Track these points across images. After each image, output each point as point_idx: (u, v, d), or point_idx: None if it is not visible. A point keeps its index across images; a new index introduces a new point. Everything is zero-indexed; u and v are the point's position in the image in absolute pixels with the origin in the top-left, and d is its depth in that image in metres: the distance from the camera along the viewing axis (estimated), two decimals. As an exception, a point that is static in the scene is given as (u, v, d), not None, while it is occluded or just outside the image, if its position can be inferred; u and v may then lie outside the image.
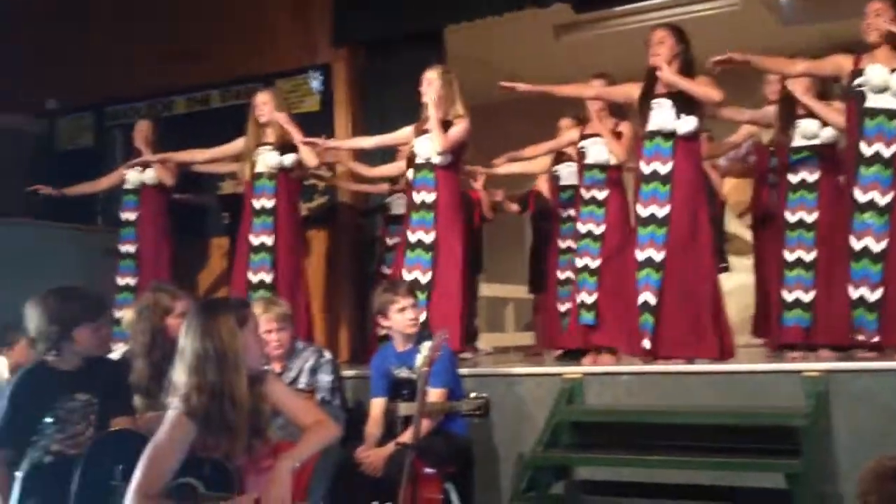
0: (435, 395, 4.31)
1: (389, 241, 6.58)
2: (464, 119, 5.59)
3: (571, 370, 5.08)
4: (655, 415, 4.75)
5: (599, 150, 5.72)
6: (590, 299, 5.56)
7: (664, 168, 5.04)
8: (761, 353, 5.99)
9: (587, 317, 5.57)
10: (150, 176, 6.83)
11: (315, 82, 7.49)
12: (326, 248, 7.26)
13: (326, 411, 3.81)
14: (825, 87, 5.31)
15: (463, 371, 4.98)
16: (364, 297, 6.73)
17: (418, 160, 5.67)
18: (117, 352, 4.54)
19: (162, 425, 3.11)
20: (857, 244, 4.77)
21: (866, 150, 4.81)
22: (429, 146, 5.59)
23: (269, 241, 6.09)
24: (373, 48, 7.46)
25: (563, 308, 5.93)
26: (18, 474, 3.23)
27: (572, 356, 5.87)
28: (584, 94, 5.70)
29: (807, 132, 5.28)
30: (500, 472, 4.97)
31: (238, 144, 6.28)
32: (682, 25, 5.32)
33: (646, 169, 5.09)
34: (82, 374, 3.62)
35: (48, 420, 3.31)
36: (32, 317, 3.59)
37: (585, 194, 5.73)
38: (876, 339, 4.73)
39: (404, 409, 4.39)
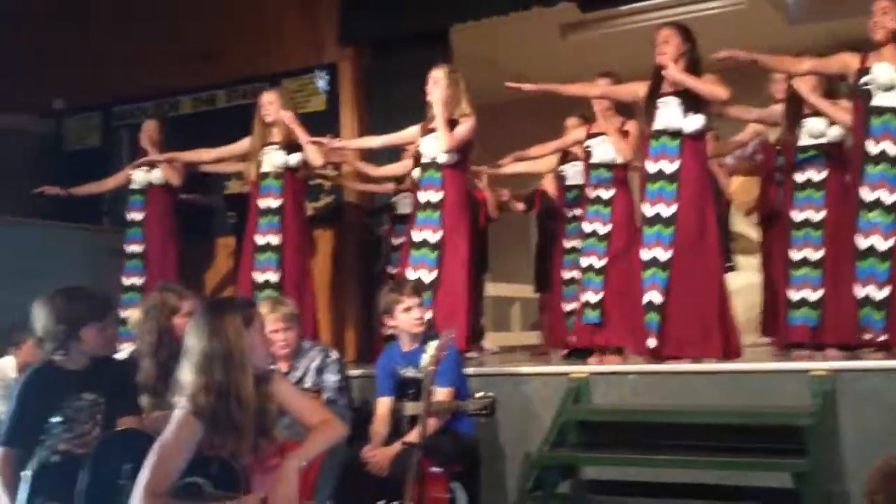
0: (441, 394, 4.32)
1: (395, 241, 6.59)
2: (470, 118, 5.59)
3: (578, 370, 5.07)
4: (662, 414, 4.74)
5: (606, 149, 5.72)
6: (595, 298, 5.57)
7: (671, 167, 5.03)
8: (768, 352, 5.98)
9: (592, 316, 5.57)
10: (156, 176, 6.84)
11: (321, 82, 7.50)
12: (332, 248, 7.27)
13: (333, 411, 3.81)
14: (832, 86, 5.31)
15: (469, 370, 4.98)
16: (370, 297, 6.73)
17: (424, 159, 5.67)
18: (124, 351, 4.54)
19: (169, 425, 3.12)
20: (863, 243, 4.76)
21: (873, 148, 4.80)
22: (435, 145, 5.59)
23: (275, 240, 6.10)
24: (379, 48, 7.47)
25: (568, 308, 5.93)
26: (26, 473, 3.24)
27: (579, 355, 5.88)
28: (589, 93, 5.71)
29: (814, 131, 5.27)
30: (506, 471, 4.97)
31: (244, 144, 6.29)
32: (689, 24, 5.31)
33: (652, 168, 5.09)
34: (89, 373, 3.62)
35: (55, 419, 3.32)
36: (40, 316, 3.60)
37: (591, 193, 5.73)
38: (883, 337, 4.72)
39: (410, 408, 4.39)
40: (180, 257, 6.91)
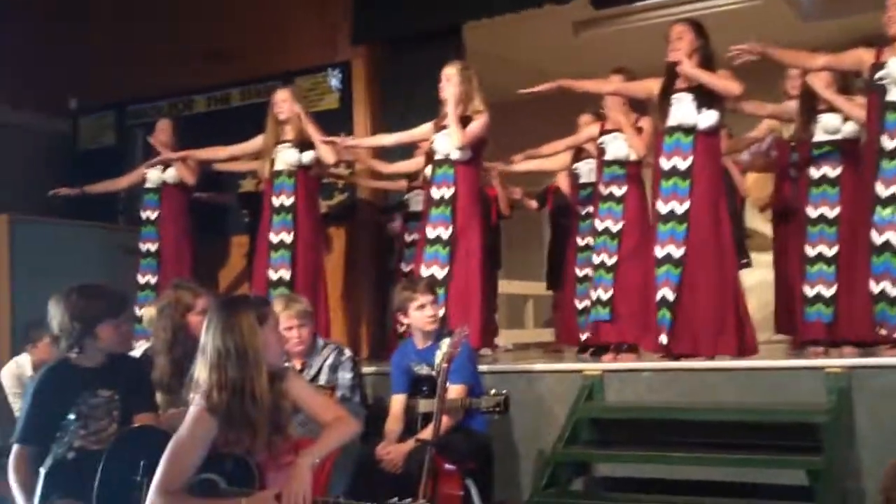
0: (455, 391, 4.31)
1: (408, 238, 6.59)
2: (483, 115, 5.59)
3: (591, 367, 5.08)
4: (676, 411, 4.74)
5: (619, 146, 5.72)
6: (605, 296, 5.56)
7: (684, 163, 5.03)
8: (783, 349, 5.97)
9: (602, 313, 5.56)
10: (171, 175, 6.86)
11: (334, 80, 7.51)
12: (346, 246, 7.28)
13: (346, 408, 3.82)
14: (846, 82, 5.29)
15: (483, 367, 4.99)
16: (384, 294, 6.75)
17: (438, 156, 5.67)
18: (139, 349, 4.57)
19: (184, 422, 3.14)
20: (878, 238, 4.73)
21: (888, 143, 4.77)
22: (448, 142, 5.59)
23: (288, 238, 6.12)
24: (392, 46, 7.47)
25: (581, 305, 5.92)
26: (42, 470, 3.25)
27: (593, 353, 5.87)
28: (602, 89, 5.71)
29: (829, 127, 5.26)
30: (519, 468, 4.98)
31: (257, 142, 6.31)
32: (702, 21, 5.30)
33: (666, 164, 5.08)
34: (105, 370, 3.63)
35: (71, 416, 3.32)
36: (55, 314, 3.61)
37: (604, 190, 5.72)
38: (898, 333, 4.70)
39: (424, 405, 4.40)
40: (194, 255, 6.95)
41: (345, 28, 7.49)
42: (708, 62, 5.07)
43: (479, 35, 7.37)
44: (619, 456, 4.76)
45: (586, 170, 6.27)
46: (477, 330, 5.46)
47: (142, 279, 6.81)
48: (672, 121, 5.08)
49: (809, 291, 5.20)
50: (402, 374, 4.62)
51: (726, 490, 4.40)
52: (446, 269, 5.54)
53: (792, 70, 5.64)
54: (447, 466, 4.14)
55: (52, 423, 3.35)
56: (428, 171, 5.80)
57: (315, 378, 4.60)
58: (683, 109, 5.05)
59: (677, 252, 4.96)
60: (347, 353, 4.78)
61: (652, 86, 5.26)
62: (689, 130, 5.04)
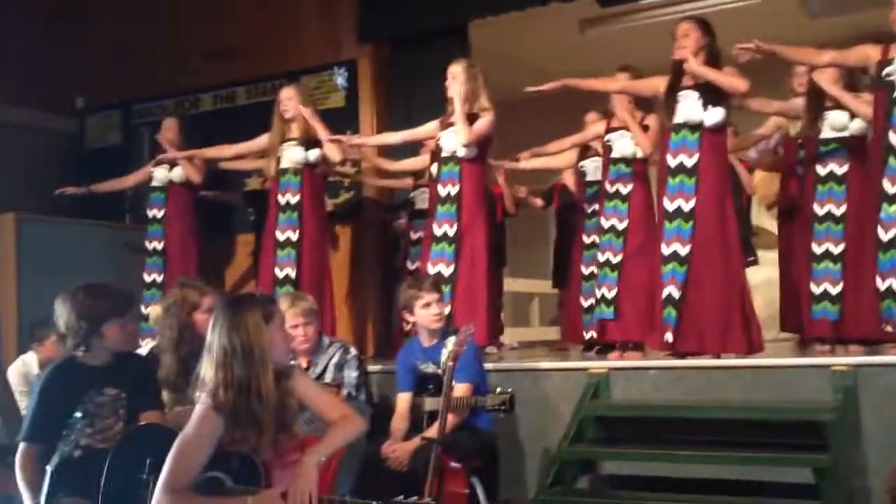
0: (460, 389, 4.31)
1: (414, 236, 6.59)
2: (489, 112, 5.60)
3: (597, 365, 5.07)
4: (682, 409, 4.73)
5: (625, 144, 5.71)
6: (610, 294, 5.56)
7: (690, 161, 5.02)
8: (789, 347, 5.96)
9: (606, 312, 5.56)
10: (177, 173, 6.87)
11: (340, 79, 7.52)
12: (352, 244, 7.29)
13: (352, 406, 3.81)
14: (853, 79, 5.27)
15: (489, 366, 4.98)
16: (390, 293, 6.75)
17: (444, 153, 5.68)
18: (145, 347, 4.58)
19: (190, 420, 3.14)
20: (885, 235, 4.71)
21: (895, 140, 4.76)
22: (454, 139, 5.60)
23: (294, 236, 6.12)
24: (397, 44, 7.48)
25: (586, 303, 5.92)
26: (48, 468, 3.26)
27: (598, 351, 5.87)
28: (608, 88, 5.70)
29: (836, 124, 5.24)
30: (525, 466, 4.97)
31: (263, 140, 6.31)
32: (708, 18, 5.29)
33: (672, 162, 5.08)
34: (111, 369, 3.64)
35: (77, 415, 3.33)
36: (62, 313, 3.62)
37: (610, 188, 5.72)
38: (905, 330, 4.69)
39: (430, 403, 4.40)
40: (200, 254, 6.96)
41: (350, 26, 7.49)
42: (714, 60, 5.06)
43: (484, 33, 7.38)
44: (625, 454, 4.75)
45: (592, 168, 6.26)
46: (483, 328, 5.47)
47: (148, 278, 6.82)
48: (678, 118, 5.07)
49: (816, 289, 5.19)
50: (407, 373, 4.62)
51: (732, 488, 4.39)
52: (452, 267, 5.55)
53: (798, 67, 5.63)
54: (453, 464, 4.14)
55: (58, 421, 3.36)
56: (433, 168, 5.80)
57: (321, 376, 4.61)
58: (690, 107, 5.04)
59: (683, 250, 4.96)
60: (353, 351, 4.78)
61: (658, 83, 5.25)
62: (696, 128, 5.03)
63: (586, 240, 6.12)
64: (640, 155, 5.69)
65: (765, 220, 7.52)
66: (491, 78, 5.75)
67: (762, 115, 5.88)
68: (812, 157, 5.35)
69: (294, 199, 6.15)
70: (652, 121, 5.68)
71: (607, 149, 5.82)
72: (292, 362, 3.67)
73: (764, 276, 6.71)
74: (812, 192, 5.32)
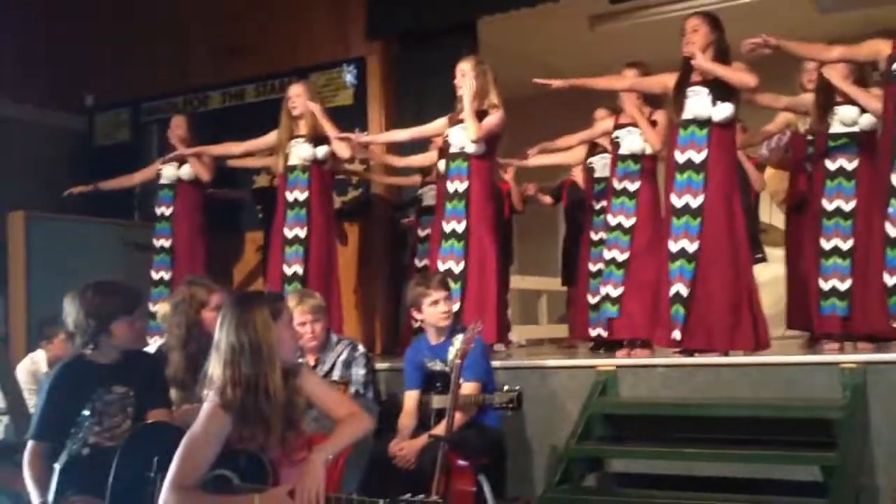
0: (468, 388, 4.30)
1: (421, 233, 6.59)
2: (498, 109, 5.60)
3: (605, 362, 5.07)
4: (690, 407, 4.72)
5: (634, 140, 5.69)
6: (615, 292, 5.54)
7: (699, 157, 5.01)
8: (797, 344, 5.94)
9: (611, 310, 5.55)
10: (186, 171, 6.88)
11: (349, 76, 7.52)
12: (360, 241, 7.29)
13: (359, 404, 3.82)
14: (863, 74, 5.25)
15: (496, 363, 4.98)
16: (397, 290, 6.76)
17: (452, 150, 5.68)
18: (153, 345, 4.58)
19: (198, 418, 3.15)
20: (893, 231, 4.70)
21: (905, 135, 4.75)
22: (463, 136, 5.60)
23: (302, 233, 6.12)
24: (407, 41, 7.48)
25: (593, 300, 5.91)
26: (56, 466, 3.27)
27: (607, 348, 5.86)
28: (616, 86, 5.67)
29: (846, 119, 5.22)
30: (533, 464, 4.97)
31: (271, 137, 6.31)
32: (718, 14, 5.27)
33: (680, 158, 5.06)
34: (120, 367, 3.65)
35: (86, 413, 3.33)
36: (70, 311, 3.63)
37: (617, 185, 5.70)
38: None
39: (437, 401, 4.39)
40: (208, 251, 6.97)
41: (359, 23, 7.50)
42: (723, 55, 5.04)
43: (494, 30, 7.37)
44: (633, 452, 4.75)
45: (601, 164, 6.25)
46: (493, 325, 5.47)
47: (155, 275, 6.83)
48: (687, 114, 5.05)
49: (824, 285, 5.17)
50: (415, 370, 4.61)
51: (740, 486, 4.38)
52: (462, 264, 5.55)
53: (808, 63, 5.60)
54: (460, 462, 4.13)
55: (66, 419, 3.36)
56: (441, 165, 5.80)
57: (328, 374, 4.61)
58: (699, 103, 5.02)
59: (691, 247, 4.94)
60: (361, 348, 4.78)
61: (667, 80, 5.24)
62: (704, 123, 5.01)
63: (594, 237, 6.10)
64: (648, 151, 5.67)
65: (776, 216, 7.49)
66: (500, 74, 5.74)
67: (771, 110, 5.86)
68: (821, 153, 5.34)
69: (302, 196, 6.15)
70: (660, 116, 5.66)
71: (615, 145, 5.80)
72: (300, 360, 3.67)
73: (772, 273, 6.68)
74: (821, 187, 5.31)
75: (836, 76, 5.20)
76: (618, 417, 4.85)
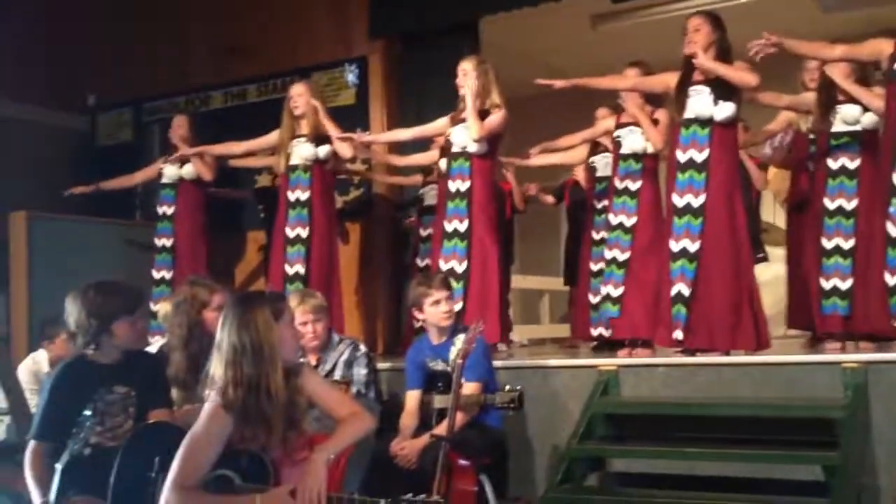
0: (469, 388, 4.30)
1: (423, 233, 6.60)
2: (500, 108, 5.60)
3: (607, 362, 5.06)
4: (692, 407, 4.72)
5: (635, 139, 5.68)
6: (616, 292, 5.54)
7: (700, 156, 5.00)
8: (798, 343, 5.94)
9: (612, 310, 5.55)
10: (188, 170, 6.89)
11: (351, 76, 7.52)
12: (361, 241, 7.29)
13: (361, 404, 3.82)
14: (865, 73, 5.25)
15: (498, 363, 4.97)
16: (399, 290, 6.76)
17: (454, 149, 5.68)
18: (155, 345, 4.59)
19: (199, 418, 3.15)
20: (894, 230, 4.69)
21: (907, 134, 4.74)
22: (465, 135, 5.60)
23: (304, 233, 6.12)
24: (409, 40, 7.48)
25: (595, 300, 5.91)
26: (58, 466, 3.27)
27: (608, 348, 5.86)
28: (618, 86, 5.66)
29: (848, 117, 5.22)
30: (534, 463, 4.97)
31: (273, 137, 6.31)
32: (720, 13, 5.26)
33: (682, 157, 5.06)
34: (121, 367, 3.65)
35: (87, 413, 3.32)
36: (72, 311, 3.63)
37: (619, 184, 5.70)
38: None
39: (439, 401, 4.39)
40: (210, 251, 6.97)
41: (362, 23, 7.50)
42: (725, 54, 5.04)
43: (496, 29, 7.37)
44: (634, 451, 4.75)
45: (603, 163, 6.25)
46: (496, 325, 5.48)
47: (157, 274, 6.84)
48: (689, 113, 5.05)
49: (826, 284, 5.17)
50: (417, 370, 4.61)
51: (742, 485, 4.38)
52: (465, 264, 5.56)
53: (809, 62, 5.60)
54: (461, 462, 4.13)
55: (68, 419, 3.36)
56: (443, 164, 5.80)
57: (330, 374, 4.61)
58: (700, 102, 5.01)
59: (693, 246, 4.94)
60: (363, 348, 4.79)
61: (669, 79, 5.23)
62: (706, 123, 5.01)
63: (595, 236, 6.10)
64: (650, 150, 5.67)
65: (779, 216, 7.48)
66: (502, 74, 5.75)
67: (773, 108, 5.86)
68: (823, 152, 5.33)
69: (304, 196, 6.15)
70: (662, 115, 5.65)
71: (617, 144, 5.80)
72: (301, 360, 3.67)
73: (773, 273, 6.68)
74: (823, 186, 5.31)
75: (839, 75, 5.19)
76: (619, 417, 4.84)
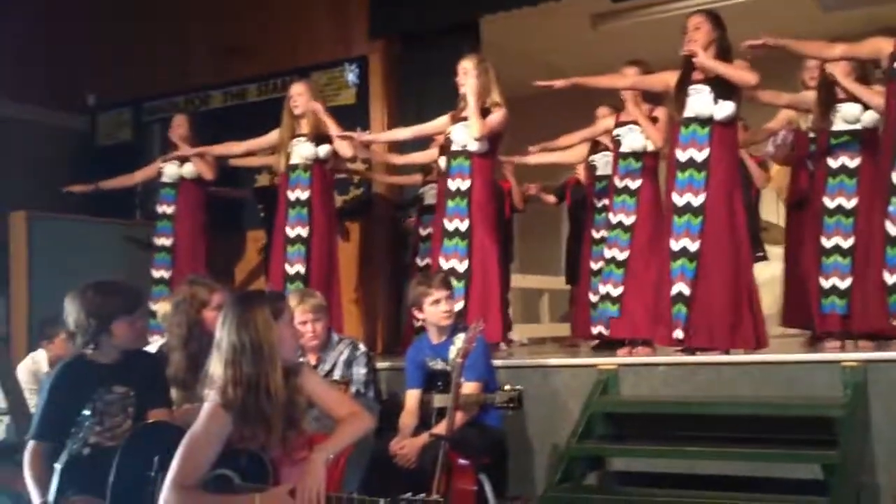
0: (469, 387, 4.29)
1: (423, 232, 6.59)
2: (501, 107, 5.60)
3: (606, 361, 5.06)
4: (691, 405, 4.72)
5: (635, 138, 5.68)
6: (615, 292, 5.54)
7: (700, 155, 5.00)
8: (798, 342, 5.94)
9: (611, 309, 5.55)
10: (188, 170, 6.89)
11: (351, 75, 7.51)
12: (361, 241, 7.29)
13: (360, 403, 3.82)
14: (865, 71, 5.25)
15: (497, 362, 4.97)
16: (399, 289, 6.75)
17: (454, 147, 5.68)
18: (154, 344, 4.59)
19: (199, 417, 3.15)
20: (893, 230, 4.69)
21: (907, 132, 4.73)
22: (465, 133, 5.60)
23: (304, 232, 6.12)
24: (409, 40, 7.48)
25: (594, 299, 5.91)
26: (57, 466, 3.28)
27: (608, 347, 5.86)
28: (618, 84, 5.66)
29: (848, 116, 5.22)
30: (534, 463, 4.97)
31: (273, 136, 6.31)
32: (720, 12, 5.26)
33: (682, 156, 5.05)
34: (120, 366, 3.65)
35: (86, 412, 3.32)
36: (71, 311, 3.63)
37: (619, 183, 5.69)
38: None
39: (439, 400, 4.39)
40: (209, 250, 6.97)
41: (362, 22, 7.50)
42: (725, 53, 5.04)
43: (496, 29, 7.37)
44: (634, 450, 4.75)
45: (603, 162, 6.25)
46: (498, 324, 5.48)
47: (156, 274, 6.85)
48: (688, 112, 5.05)
49: (825, 283, 5.18)
50: (416, 369, 4.61)
51: (741, 484, 4.38)
52: (466, 263, 5.56)
53: (809, 61, 5.60)
54: (461, 461, 4.14)
55: (67, 419, 3.36)
56: (442, 162, 5.80)
57: (329, 373, 4.61)
58: (700, 101, 5.01)
59: (693, 245, 4.94)
60: (362, 348, 4.79)
61: (669, 78, 5.23)
62: (706, 122, 5.01)
63: (595, 235, 6.10)
64: (650, 148, 5.66)
65: (773, 214, 7.48)
66: (502, 74, 5.74)
67: (772, 107, 5.86)
68: (823, 150, 5.34)
69: (304, 196, 6.15)
70: (661, 113, 5.65)
71: (616, 143, 5.80)
72: (301, 359, 3.68)
73: (772, 272, 6.67)
74: (823, 185, 5.31)
75: (840, 73, 5.19)
76: (619, 416, 4.84)
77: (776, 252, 6.54)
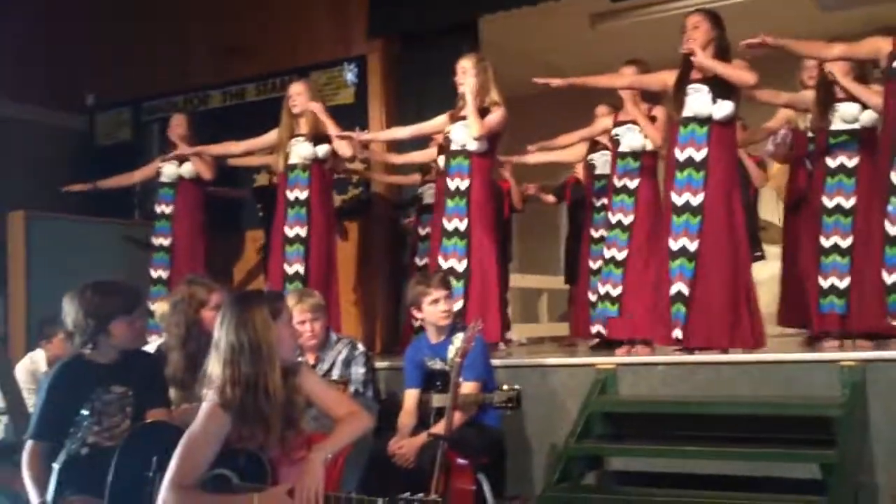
0: (468, 387, 4.30)
1: (422, 232, 6.59)
2: (500, 107, 5.60)
3: (605, 361, 5.06)
4: (690, 405, 4.72)
5: (633, 137, 5.68)
6: (614, 292, 5.54)
7: (699, 155, 5.00)
8: (796, 342, 5.94)
9: (610, 309, 5.55)
10: (187, 169, 6.89)
11: (350, 75, 7.51)
12: (360, 240, 7.29)
13: (359, 403, 3.82)
14: (864, 71, 5.25)
15: (496, 362, 4.97)
16: (397, 289, 6.75)
17: (453, 146, 5.68)
18: (153, 344, 4.59)
19: (197, 417, 3.15)
20: (892, 229, 4.69)
21: (905, 132, 4.73)
22: (464, 133, 5.60)
23: (302, 232, 6.12)
24: (408, 40, 7.48)
25: (593, 298, 5.92)
26: (55, 466, 3.28)
27: (607, 346, 5.86)
28: (616, 84, 5.66)
29: (847, 115, 5.22)
30: (532, 462, 4.97)
31: (272, 136, 6.31)
32: (719, 11, 5.26)
33: (680, 156, 5.06)
34: (119, 366, 3.65)
35: (85, 412, 3.33)
36: (70, 311, 3.63)
37: (617, 183, 5.70)
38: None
39: (437, 400, 4.39)
40: (208, 250, 6.97)
41: (361, 22, 7.50)
42: (723, 53, 5.04)
43: (495, 28, 7.37)
44: (632, 450, 4.75)
45: (602, 161, 6.26)
46: (497, 324, 5.48)
47: (154, 273, 6.84)
48: (687, 111, 5.05)
49: (823, 283, 5.18)
50: (415, 369, 4.61)
51: (740, 484, 4.38)
52: (465, 262, 5.56)
53: (808, 61, 5.60)
54: (459, 461, 4.13)
55: (65, 418, 3.36)
56: (441, 161, 5.80)
57: (328, 373, 4.62)
58: (699, 100, 5.01)
59: (692, 245, 4.94)
60: (361, 347, 4.79)
61: (667, 77, 5.23)
62: (704, 121, 5.01)
63: (594, 234, 6.10)
64: (648, 148, 5.67)
65: (772, 214, 7.47)
66: (502, 73, 5.75)
67: (771, 106, 5.86)
68: (822, 150, 5.34)
69: (302, 195, 6.15)
70: (659, 112, 5.65)
71: (615, 142, 5.80)
72: (299, 359, 3.68)
73: (771, 271, 6.66)
74: (821, 184, 5.31)
75: (838, 72, 5.19)
76: (617, 416, 4.85)
77: (774, 251, 6.54)
